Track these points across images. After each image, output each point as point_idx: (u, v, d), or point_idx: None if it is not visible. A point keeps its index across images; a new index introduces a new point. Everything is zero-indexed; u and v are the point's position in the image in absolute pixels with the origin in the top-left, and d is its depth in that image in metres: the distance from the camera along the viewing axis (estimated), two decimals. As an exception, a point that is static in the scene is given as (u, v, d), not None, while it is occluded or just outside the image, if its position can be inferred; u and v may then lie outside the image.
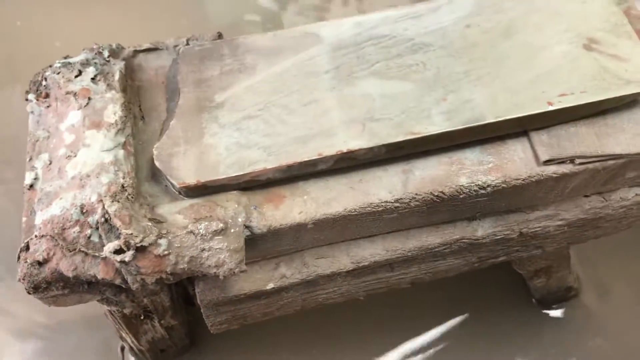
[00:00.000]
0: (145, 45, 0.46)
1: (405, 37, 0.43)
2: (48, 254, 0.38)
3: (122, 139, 0.40)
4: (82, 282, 0.39)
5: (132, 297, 0.43)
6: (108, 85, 0.42)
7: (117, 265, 0.37)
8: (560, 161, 0.40)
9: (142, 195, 0.39)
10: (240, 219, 0.38)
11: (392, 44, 0.43)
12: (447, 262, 0.46)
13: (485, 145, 0.41)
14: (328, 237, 0.42)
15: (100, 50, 0.45)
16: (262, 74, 0.42)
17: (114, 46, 0.45)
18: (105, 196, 0.38)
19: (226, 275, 0.39)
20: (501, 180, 0.40)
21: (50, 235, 0.38)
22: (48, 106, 0.43)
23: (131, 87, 0.44)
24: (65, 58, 0.45)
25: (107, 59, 0.44)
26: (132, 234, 0.36)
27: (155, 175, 0.40)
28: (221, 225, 0.38)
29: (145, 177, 0.41)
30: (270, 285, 0.43)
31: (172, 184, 0.39)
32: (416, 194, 0.40)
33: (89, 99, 0.42)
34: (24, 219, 0.40)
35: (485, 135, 0.41)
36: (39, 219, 0.39)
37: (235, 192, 0.39)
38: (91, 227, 0.38)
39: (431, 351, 0.59)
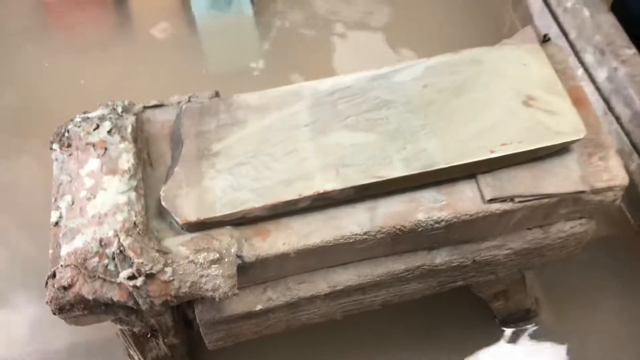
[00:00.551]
0: (153, 102, 0.54)
1: (372, 96, 0.51)
2: (72, 280, 0.45)
3: (134, 183, 0.48)
4: (100, 304, 0.46)
5: (141, 317, 0.50)
6: (122, 137, 0.50)
7: (130, 289, 0.44)
8: (502, 200, 0.48)
9: (151, 230, 0.46)
10: (233, 250, 0.45)
11: (361, 101, 0.51)
12: (412, 286, 0.53)
13: (439, 186, 0.49)
14: (308, 265, 0.49)
15: (115, 106, 0.52)
16: (252, 127, 0.50)
17: (126, 103, 0.53)
18: (120, 231, 0.45)
19: (221, 297, 0.46)
20: (453, 215, 0.48)
21: (74, 265, 0.45)
22: (70, 154, 0.51)
23: (141, 138, 0.51)
24: (84, 113, 0.53)
25: (121, 114, 0.52)
26: (142, 262, 0.44)
27: (162, 213, 0.48)
28: (217, 255, 0.45)
29: (154, 215, 0.48)
30: (259, 307, 0.50)
31: (176, 221, 0.46)
32: (381, 228, 0.47)
33: (106, 149, 0.49)
34: (50, 251, 0.48)
35: (438, 178, 0.48)
36: (64, 251, 0.46)
37: (228, 227, 0.47)
38: (108, 258, 0.45)
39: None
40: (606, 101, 0.76)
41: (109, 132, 0.50)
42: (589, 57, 0.79)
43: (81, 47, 0.92)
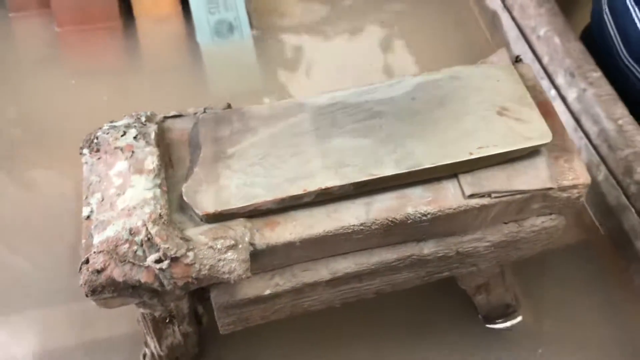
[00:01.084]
0: (172, 113, 0.61)
1: (366, 107, 0.58)
2: (104, 264, 0.51)
3: (158, 181, 0.54)
4: (129, 286, 0.51)
5: (162, 301, 0.55)
6: (146, 142, 0.56)
7: (157, 272, 0.50)
8: (481, 195, 0.55)
9: (174, 222, 0.53)
10: (246, 238, 0.52)
11: (357, 111, 0.58)
12: (403, 275, 0.60)
13: (425, 184, 0.55)
14: (311, 254, 0.56)
15: (139, 116, 0.59)
16: (262, 134, 0.57)
17: (148, 113, 0.60)
18: (147, 221, 0.51)
19: (236, 280, 0.52)
20: (437, 209, 0.54)
21: (106, 251, 0.51)
22: (99, 158, 0.57)
23: (163, 144, 0.58)
24: (111, 122, 0.59)
25: (144, 123, 0.59)
26: (168, 247, 0.50)
27: (183, 207, 0.54)
28: (232, 242, 0.51)
29: (175, 209, 0.54)
30: (267, 292, 0.56)
31: (196, 213, 0.52)
32: (376, 219, 0.54)
33: (133, 152, 0.56)
34: (83, 241, 0.53)
35: (424, 177, 0.55)
36: (96, 240, 0.52)
37: (242, 219, 0.53)
38: (137, 244, 0.51)
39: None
40: (576, 119, 0.84)
41: (135, 137, 0.57)
42: (560, 80, 0.87)
43: (94, 72, 0.99)
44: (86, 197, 0.55)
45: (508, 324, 0.73)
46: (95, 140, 0.58)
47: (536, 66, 0.91)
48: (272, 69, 0.99)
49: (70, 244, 0.80)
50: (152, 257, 0.50)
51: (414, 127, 0.57)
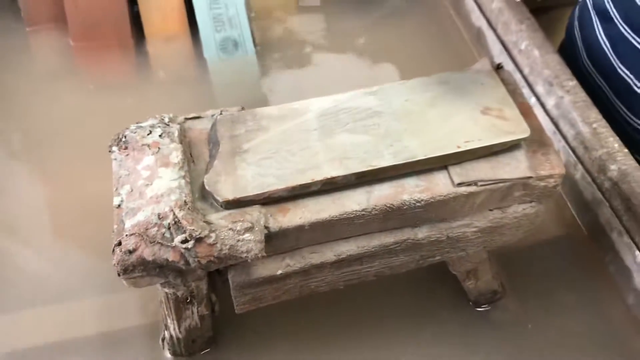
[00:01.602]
0: (192, 115, 0.68)
1: (365, 107, 0.66)
2: (136, 245, 0.57)
3: (182, 173, 0.61)
4: (157, 265, 0.58)
5: (185, 281, 0.62)
6: (170, 139, 0.63)
7: (182, 251, 0.57)
8: (468, 184, 0.62)
9: (196, 208, 0.59)
10: (261, 222, 0.58)
11: (357, 112, 0.65)
12: (400, 259, 0.66)
13: (419, 175, 0.62)
14: (318, 237, 0.62)
15: (162, 118, 0.66)
16: (273, 131, 0.64)
17: (171, 115, 0.67)
18: (174, 207, 0.58)
19: (252, 258, 0.58)
20: (430, 196, 0.61)
21: (138, 233, 0.57)
22: (127, 155, 0.64)
23: (184, 141, 0.65)
24: (137, 123, 0.66)
25: (168, 124, 0.66)
26: (193, 229, 0.56)
27: (204, 196, 0.61)
28: (250, 224, 0.58)
29: (197, 198, 0.61)
30: (279, 272, 0.63)
31: (217, 200, 0.59)
32: (375, 205, 0.61)
33: (159, 148, 0.63)
34: (115, 226, 0.60)
35: (418, 168, 0.62)
36: (128, 224, 0.58)
37: (257, 205, 0.59)
38: (165, 228, 0.57)
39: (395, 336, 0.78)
40: (555, 124, 0.92)
41: (160, 136, 0.64)
42: (539, 88, 0.95)
43: (108, 84, 1.06)
44: (116, 189, 0.61)
45: (494, 309, 0.80)
46: (123, 139, 0.64)
47: (518, 76, 0.99)
48: (274, 81, 1.06)
49: (89, 240, 0.86)
50: (179, 238, 0.56)
51: (408, 125, 0.64)
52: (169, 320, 0.68)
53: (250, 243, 0.58)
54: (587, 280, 0.84)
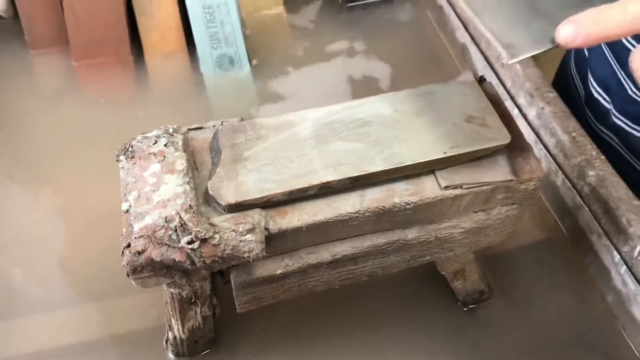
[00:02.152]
0: (195, 125, 0.72)
1: (358, 117, 0.70)
2: (144, 247, 0.61)
3: (187, 179, 0.65)
4: (164, 266, 0.62)
5: (190, 281, 0.66)
6: (175, 148, 0.67)
7: (189, 251, 0.61)
8: (454, 187, 0.66)
9: (201, 212, 0.63)
10: (262, 223, 0.62)
11: (350, 121, 0.70)
12: (391, 259, 0.71)
13: (408, 179, 0.66)
14: (315, 238, 0.66)
15: (167, 129, 0.70)
16: (272, 140, 0.68)
17: (175, 126, 0.71)
18: (180, 211, 0.62)
19: (254, 258, 0.62)
20: (419, 199, 0.66)
21: (146, 235, 0.61)
22: (134, 163, 0.68)
23: (188, 150, 0.69)
24: (143, 134, 0.70)
25: (172, 134, 0.70)
26: (199, 230, 0.60)
27: (207, 201, 0.65)
28: (251, 226, 0.62)
29: (201, 203, 0.65)
30: (278, 271, 0.66)
31: (220, 204, 0.63)
32: (368, 208, 0.65)
33: (164, 156, 0.67)
34: (123, 230, 0.64)
35: (407, 173, 0.66)
36: (136, 227, 0.62)
37: (258, 208, 0.63)
38: (172, 230, 0.61)
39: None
40: (536, 133, 0.97)
41: (165, 145, 0.68)
42: (521, 100, 1.00)
43: (110, 99, 1.10)
44: (124, 195, 0.65)
45: (481, 309, 0.84)
46: (130, 149, 0.68)
47: (501, 89, 1.04)
48: (268, 95, 1.11)
49: (91, 248, 0.89)
50: (185, 239, 0.60)
51: (397, 133, 0.68)
52: (173, 321, 0.72)
53: (252, 243, 0.61)
54: (570, 280, 0.88)
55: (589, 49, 1.01)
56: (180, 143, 0.68)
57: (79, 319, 0.84)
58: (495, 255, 0.89)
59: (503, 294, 0.86)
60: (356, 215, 0.65)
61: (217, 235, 0.61)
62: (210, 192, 0.64)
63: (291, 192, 0.64)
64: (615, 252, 0.81)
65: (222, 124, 0.71)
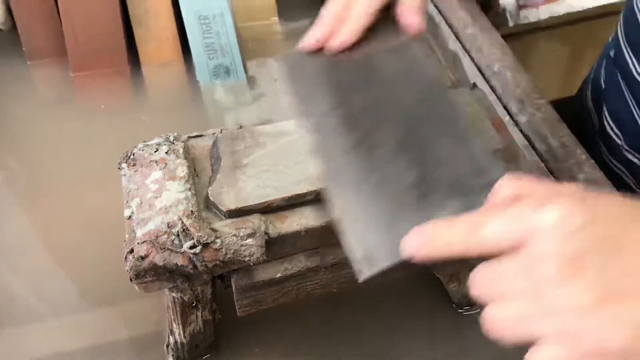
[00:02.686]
0: (195, 133, 0.74)
1: (354, 124, 0.72)
2: (147, 252, 0.62)
3: (188, 186, 0.66)
4: (166, 270, 0.63)
5: (191, 285, 0.67)
6: (176, 155, 0.69)
7: (191, 256, 0.62)
8: (448, 191, 0.68)
9: (202, 217, 0.65)
10: (262, 228, 0.64)
11: (346, 128, 0.72)
12: (387, 262, 0.73)
13: (404, 183, 0.69)
14: (313, 242, 0.68)
15: (167, 137, 0.72)
16: (270, 147, 0.70)
17: (175, 134, 0.73)
18: (182, 216, 0.63)
19: (254, 262, 0.64)
20: (414, 203, 0.68)
21: (149, 241, 0.63)
22: (136, 170, 0.69)
23: (188, 158, 0.70)
24: (144, 142, 0.72)
25: (172, 141, 0.71)
26: (200, 235, 0.62)
27: (208, 207, 0.66)
28: (252, 231, 0.63)
29: (202, 209, 0.66)
30: (278, 275, 0.68)
31: (220, 210, 0.65)
32: (365, 212, 0.67)
33: (166, 163, 0.68)
34: (126, 236, 0.65)
35: (403, 177, 0.69)
36: (139, 233, 0.64)
37: (257, 214, 0.65)
38: (174, 235, 0.63)
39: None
40: (527, 139, 0.99)
41: (166, 152, 0.69)
42: (512, 106, 1.02)
43: (107, 109, 1.12)
44: (127, 202, 0.67)
45: (475, 310, 0.85)
46: (132, 156, 0.70)
47: (492, 97, 1.06)
48: (264, 104, 1.13)
49: (91, 256, 0.91)
50: (187, 244, 0.62)
51: (393, 139, 0.70)
52: (174, 325, 0.73)
53: (253, 247, 0.63)
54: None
55: (605, 80, 1.00)
56: (181, 150, 0.70)
57: (80, 326, 0.85)
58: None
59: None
60: (353, 219, 0.66)
61: (218, 240, 0.62)
62: (211, 198, 0.65)
63: (290, 198, 0.66)
64: (605, 254, 0.83)
65: (221, 132, 0.73)
